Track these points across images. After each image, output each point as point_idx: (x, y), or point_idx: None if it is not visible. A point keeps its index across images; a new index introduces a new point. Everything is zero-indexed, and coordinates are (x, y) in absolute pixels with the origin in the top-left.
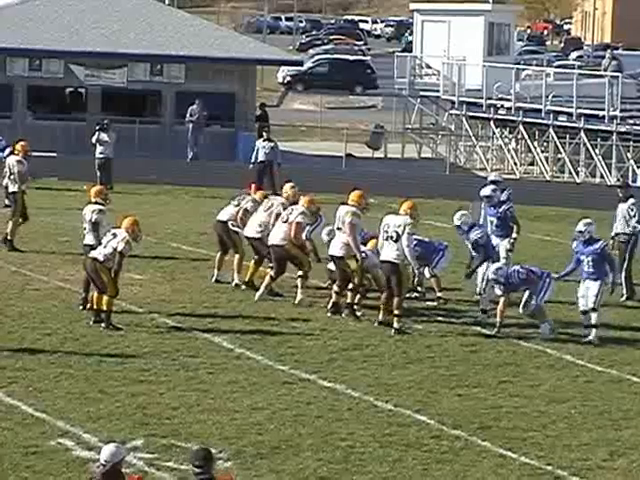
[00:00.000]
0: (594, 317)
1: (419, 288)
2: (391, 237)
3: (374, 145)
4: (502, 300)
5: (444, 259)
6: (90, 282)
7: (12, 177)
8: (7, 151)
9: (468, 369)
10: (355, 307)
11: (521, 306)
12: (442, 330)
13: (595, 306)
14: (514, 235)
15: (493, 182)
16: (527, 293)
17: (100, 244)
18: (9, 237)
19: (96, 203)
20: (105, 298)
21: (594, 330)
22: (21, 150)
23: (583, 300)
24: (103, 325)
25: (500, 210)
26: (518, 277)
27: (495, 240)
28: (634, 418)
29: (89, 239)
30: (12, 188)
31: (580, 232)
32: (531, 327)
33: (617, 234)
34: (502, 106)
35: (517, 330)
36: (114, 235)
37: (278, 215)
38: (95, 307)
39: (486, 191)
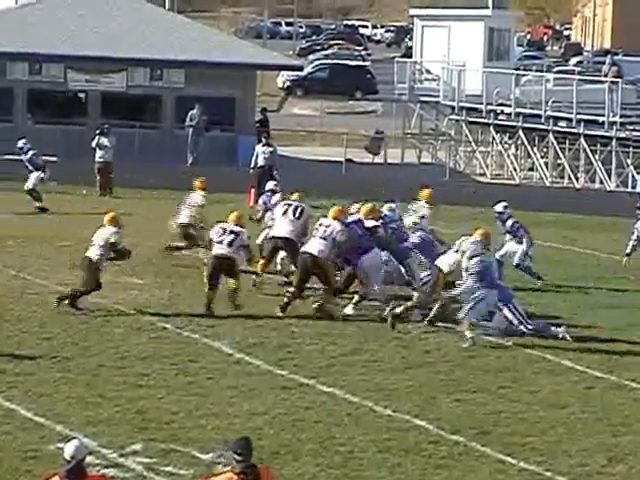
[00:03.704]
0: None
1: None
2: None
3: (373, 150)
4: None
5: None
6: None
7: None
8: (30, 154)
9: (467, 374)
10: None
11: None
12: (441, 335)
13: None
14: (523, 246)
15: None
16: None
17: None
18: None
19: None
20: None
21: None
22: None
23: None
24: (66, 302)
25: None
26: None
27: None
28: (633, 424)
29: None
30: None
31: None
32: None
33: None
34: (502, 112)
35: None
36: (102, 233)
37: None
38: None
39: (498, 207)
